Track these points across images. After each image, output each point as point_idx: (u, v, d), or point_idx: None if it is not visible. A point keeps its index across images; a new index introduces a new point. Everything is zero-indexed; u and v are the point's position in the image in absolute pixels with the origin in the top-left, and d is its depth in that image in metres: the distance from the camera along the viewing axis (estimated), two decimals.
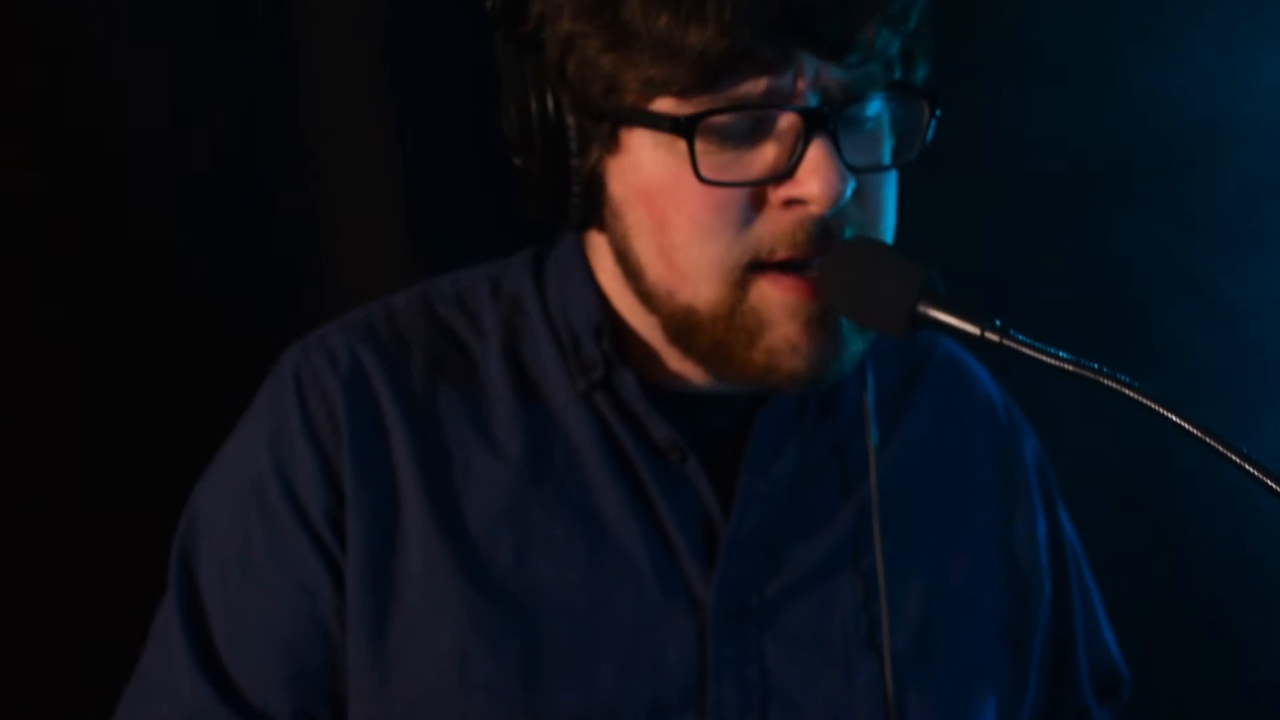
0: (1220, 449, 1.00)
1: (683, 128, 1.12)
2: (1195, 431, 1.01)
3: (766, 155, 1.15)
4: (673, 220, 1.16)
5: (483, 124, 1.71)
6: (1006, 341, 1.09)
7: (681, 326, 1.20)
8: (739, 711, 1.23)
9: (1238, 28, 1.86)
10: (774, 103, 1.13)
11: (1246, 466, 0.99)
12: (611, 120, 1.16)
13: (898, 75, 1.16)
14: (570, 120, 1.18)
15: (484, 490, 1.26)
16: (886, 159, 1.18)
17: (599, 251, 1.28)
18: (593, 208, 1.22)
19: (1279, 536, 1.80)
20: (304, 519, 1.26)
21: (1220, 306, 1.90)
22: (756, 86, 1.12)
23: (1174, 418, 1.02)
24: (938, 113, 1.17)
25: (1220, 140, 1.89)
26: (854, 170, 1.14)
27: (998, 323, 1.10)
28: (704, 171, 1.13)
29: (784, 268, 1.16)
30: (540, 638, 1.23)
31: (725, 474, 1.26)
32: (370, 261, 1.92)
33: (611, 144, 1.18)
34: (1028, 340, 1.09)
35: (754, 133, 1.14)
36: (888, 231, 1.20)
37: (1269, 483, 0.99)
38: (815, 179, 1.12)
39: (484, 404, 1.29)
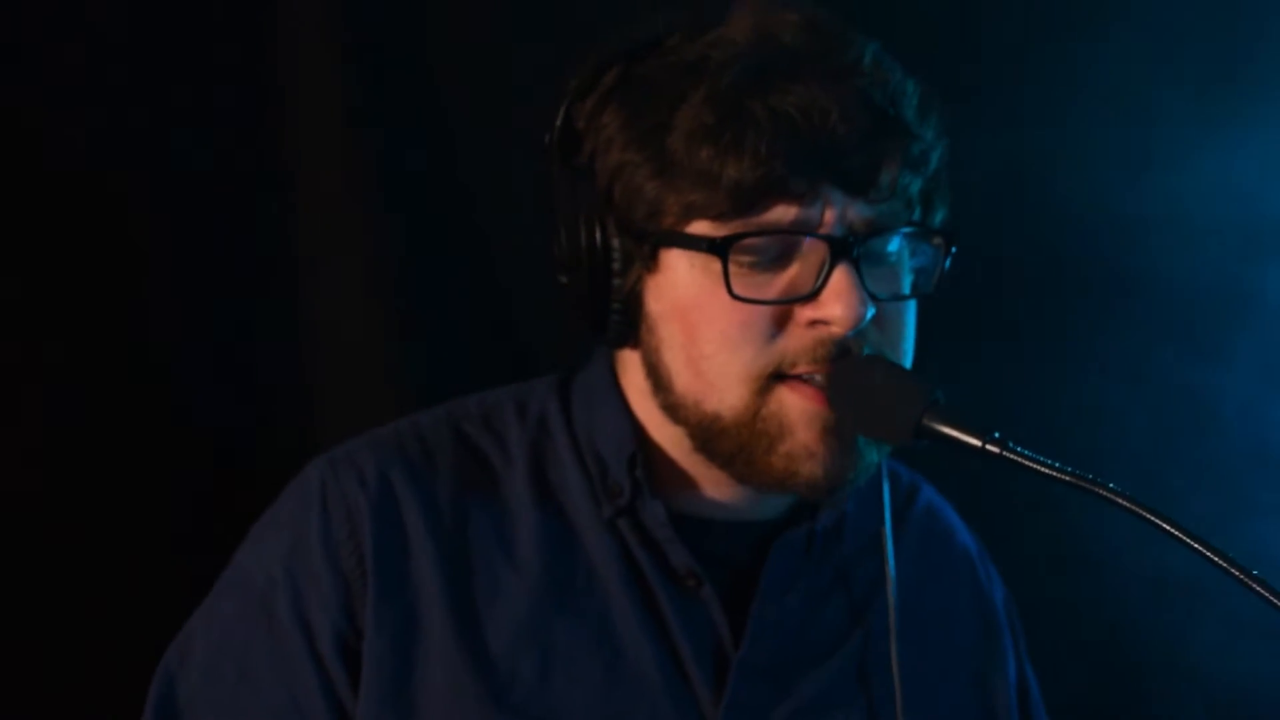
0: (1214, 558, 1.07)
1: (718, 248, 1.20)
2: (1184, 538, 1.08)
3: (793, 277, 1.22)
4: (703, 333, 1.23)
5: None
6: (1006, 453, 1.15)
7: (707, 434, 1.26)
8: None
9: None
10: (802, 230, 1.20)
11: (1241, 575, 1.07)
12: (652, 241, 1.24)
13: (917, 215, 1.24)
14: (615, 243, 1.25)
15: (507, 609, 1.29)
16: (905, 290, 1.26)
17: (629, 370, 1.33)
18: (630, 324, 1.28)
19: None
20: (309, 638, 1.29)
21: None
22: (787, 214, 1.20)
23: (1164, 525, 1.09)
24: (954, 250, 1.25)
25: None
26: (874, 299, 1.21)
27: (996, 435, 1.16)
28: (736, 289, 1.20)
29: (802, 378, 1.22)
30: None
31: (737, 601, 1.31)
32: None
33: (651, 263, 1.25)
34: (1025, 452, 1.15)
35: (782, 257, 1.21)
36: (906, 356, 1.27)
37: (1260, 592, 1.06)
38: (838, 303, 1.20)
39: (508, 524, 1.33)
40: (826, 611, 1.36)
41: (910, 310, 1.27)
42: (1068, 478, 1.13)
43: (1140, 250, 1.93)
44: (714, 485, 1.31)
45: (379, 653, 1.27)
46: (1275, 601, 1.06)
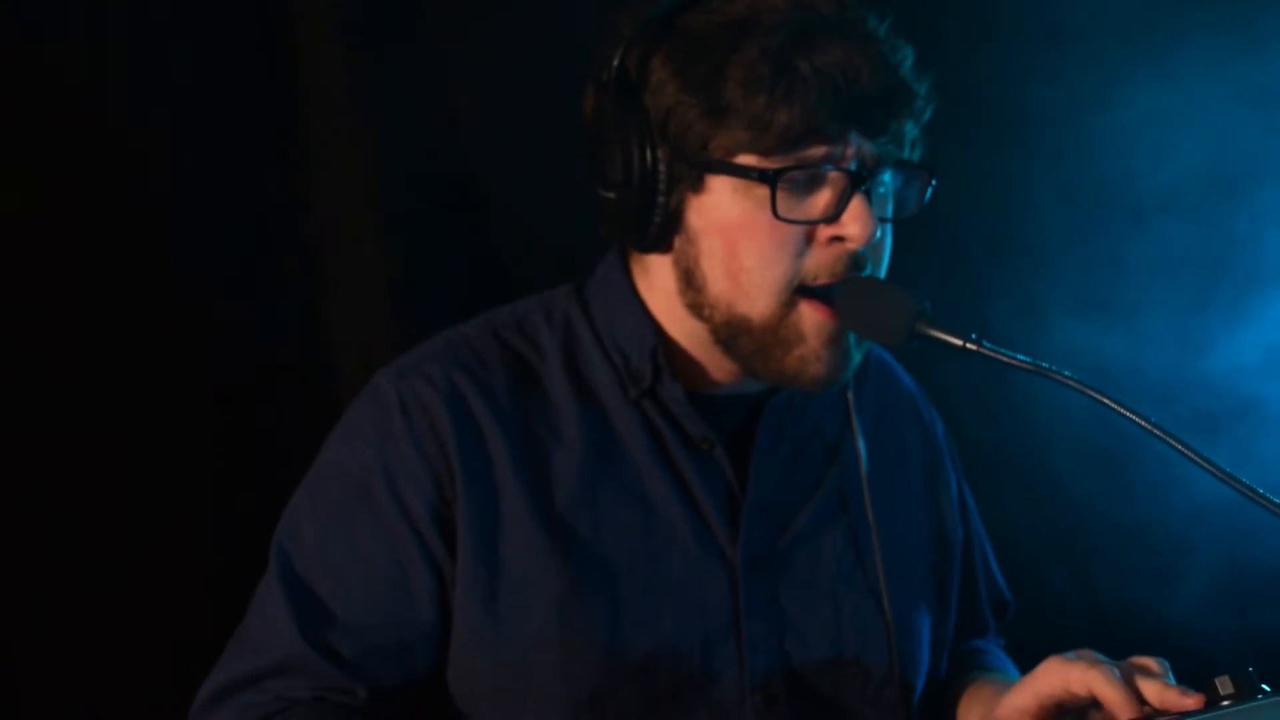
0: (1163, 435, 1.29)
1: (769, 178, 1.43)
2: (1134, 417, 1.31)
3: (820, 202, 1.46)
4: (744, 248, 1.46)
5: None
6: (983, 350, 1.41)
7: (733, 331, 1.49)
8: (765, 639, 1.53)
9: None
10: (830, 164, 1.44)
11: (1183, 449, 1.29)
12: (701, 168, 1.45)
13: (907, 153, 1.49)
14: (662, 167, 1.46)
15: (564, 480, 1.52)
16: (890, 213, 1.52)
17: (651, 273, 1.55)
18: (666, 235, 1.50)
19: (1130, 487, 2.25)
20: (406, 514, 1.49)
21: None
22: (818, 151, 1.43)
23: (1116, 406, 1.31)
24: (934, 181, 1.51)
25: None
26: (878, 220, 1.46)
27: (974, 336, 1.42)
28: (780, 211, 1.44)
29: (819, 295, 1.47)
30: (618, 592, 1.50)
31: (739, 458, 1.56)
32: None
33: (698, 186, 1.47)
34: (998, 348, 1.41)
35: (810, 185, 1.45)
36: (886, 268, 1.53)
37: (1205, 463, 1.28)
38: (856, 223, 1.44)
39: (552, 411, 1.55)
40: (808, 457, 1.62)
41: (890, 233, 1.52)
42: (1030, 367, 1.37)
43: None
44: (718, 369, 1.55)
45: (470, 519, 1.48)
46: (1212, 468, 1.28)
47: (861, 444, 1.60)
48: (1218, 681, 1.11)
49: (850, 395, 1.62)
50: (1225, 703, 1.20)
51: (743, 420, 1.58)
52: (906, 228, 1.54)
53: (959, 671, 1.73)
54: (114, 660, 1.94)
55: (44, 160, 1.89)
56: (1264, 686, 1.09)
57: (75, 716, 1.92)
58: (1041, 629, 1.76)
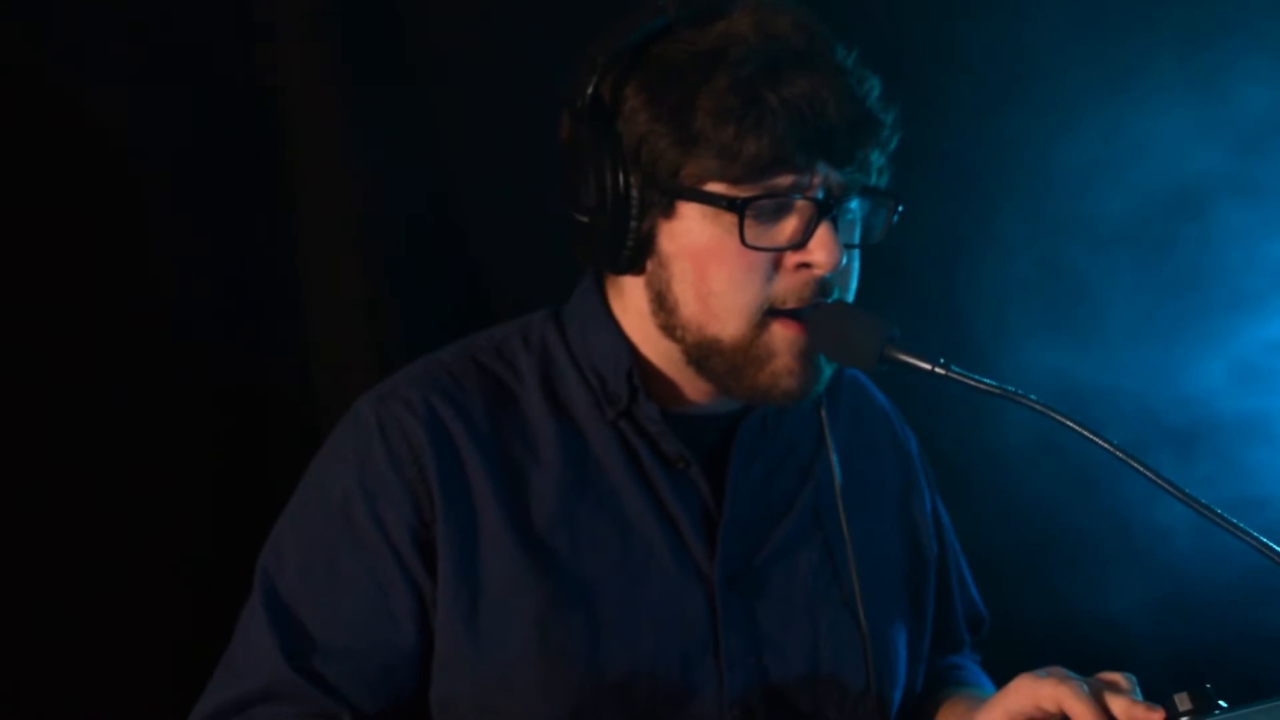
0: (1125, 456, 1.32)
1: (737, 206, 1.46)
2: (1095, 438, 1.34)
3: (787, 230, 1.48)
4: (713, 273, 1.49)
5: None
6: (951, 374, 1.44)
7: (705, 353, 1.52)
8: (743, 656, 1.55)
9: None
10: (797, 193, 1.47)
11: (1152, 475, 1.32)
12: (672, 195, 1.49)
13: (873, 181, 1.52)
14: (635, 192, 1.49)
15: (542, 500, 1.55)
16: (858, 239, 1.55)
17: (625, 296, 1.58)
18: (639, 259, 1.53)
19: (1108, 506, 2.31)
20: (386, 536, 1.51)
21: None
22: (786, 180, 1.46)
23: (1078, 428, 1.34)
24: (900, 209, 1.54)
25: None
26: (845, 246, 1.50)
27: (942, 360, 1.45)
28: (748, 239, 1.46)
29: (789, 314, 1.50)
30: (597, 610, 1.52)
31: (715, 476, 1.59)
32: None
33: (669, 211, 1.50)
34: (965, 372, 1.44)
35: (778, 213, 1.48)
36: (853, 293, 1.56)
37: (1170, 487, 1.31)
38: (823, 250, 1.47)
39: (530, 433, 1.57)
40: (783, 475, 1.64)
41: (858, 259, 1.55)
42: (997, 391, 1.41)
43: None
44: (693, 388, 1.58)
45: (450, 539, 1.51)
46: (1171, 488, 1.31)
47: (835, 461, 1.63)
48: (1176, 698, 1.13)
49: (824, 413, 1.64)
50: (1183, 719, 1.22)
51: (718, 439, 1.61)
52: (876, 256, 1.57)
53: (935, 687, 1.76)
54: (102, 667, 1.96)
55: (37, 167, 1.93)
56: (1221, 703, 1.12)
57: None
58: (1014, 644, 1.79)
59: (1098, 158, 2.34)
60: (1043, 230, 2.38)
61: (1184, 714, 1.13)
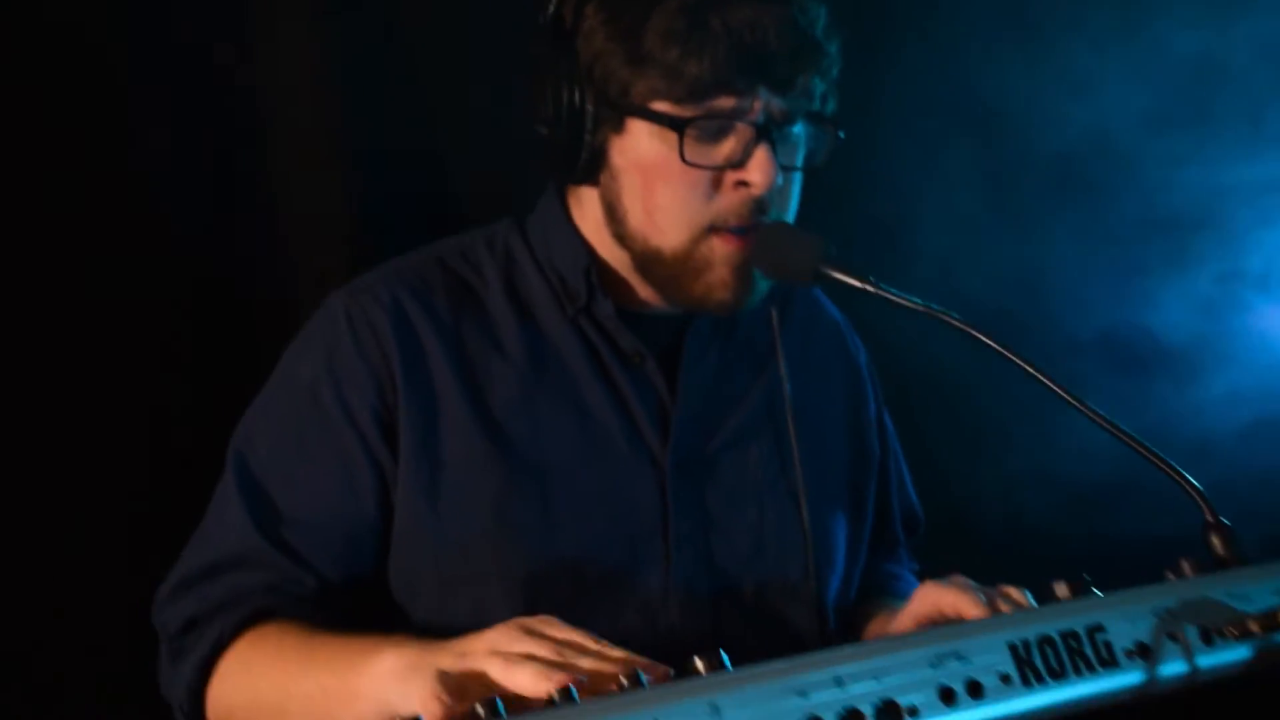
0: (1052, 384, 1.40)
1: (677, 124, 1.54)
2: (1018, 360, 1.42)
3: (725, 150, 1.57)
4: (658, 188, 1.58)
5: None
6: (880, 290, 1.52)
7: (648, 261, 1.61)
8: (690, 537, 1.64)
9: None
10: (738, 116, 1.55)
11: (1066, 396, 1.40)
12: (622, 111, 1.57)
13: (816, 107, 1.60)
14: (589, 108, 1.58)
15: (502, 388, 1.63)
16: (800, 163, 1.63)
17: (583, 205, 1.66)
18: (593, 169, 1.61)
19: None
20: (351, 416, 1.59)
21: None
22: (727, 103, 1.54)
23: (999, 348, 1.42)
24: (840, 134, 1.62)
25: None
26: (782, 168, 1.58)
27: (871, 278, 1.53)
28: (687, 156, 1.55)
29: (729, 231, 1.58)
30: (551, 490, 1.60)
31: (670, 372, 1.68)
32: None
33: (619, 127, 1.58)
34: (892, 289, 1.52)
35: (720, 134, 1.56)
36: (793, 213, 1.64)
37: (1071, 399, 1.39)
38: (759, 171, 1.56)
39: (494, 328, 1.66)
40: (737, 373, 1.73)
41: (799, 179, 1.63)
42: (921, 308, 1.48)
43: None
44: (645, 291, 1.66)
45: (412, 422, 1.59)
46: (1094, 415, 1.38)
47: (785, 363, 1.71)
48: (1055, 586, 1.22)
49: (775, 317, 1.73)
50: None
51: (673, 337, 1.69)
52: (827, 188, 1.65)
53: (870, 596, 1.83)
54: (81, 546, 2.04)
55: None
56: (1096, 591, 1.20)
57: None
58: (963, 550, 1.89)
59: (1044, 97, 2.44)
60: (988, 168, 2.48)
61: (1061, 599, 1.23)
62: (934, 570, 1.87)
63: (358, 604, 1.60)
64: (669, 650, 1.24)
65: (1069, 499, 2.45)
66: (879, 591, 1.85)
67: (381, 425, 1.60)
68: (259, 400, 1.67)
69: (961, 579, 1.50)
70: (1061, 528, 2.43)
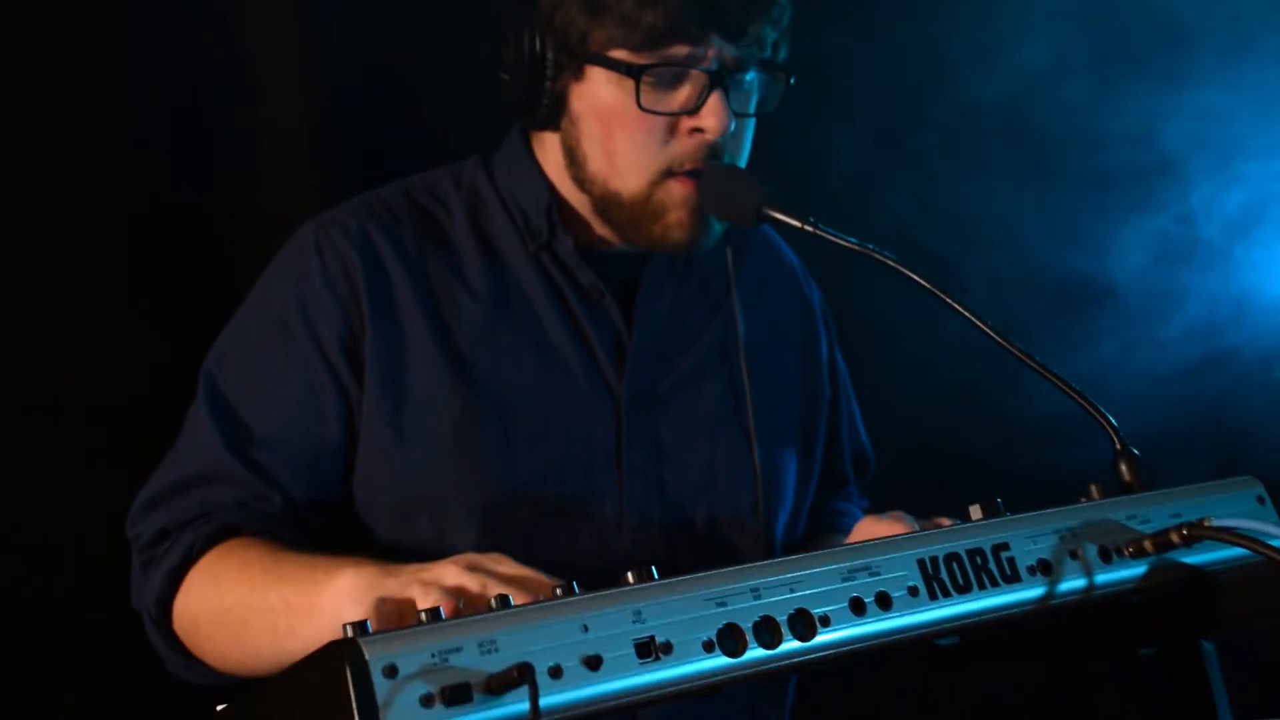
0: (982, 324, 1.47)
1: (634, 72, 1.60)
2: (948, 300, 1.48)
3: (681, 97, 1.63)
4: (616, 133, 1.64)
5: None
6: (819, 231, 1.58)
7: (609, 203, 1.68)
8: (643, 467, 1.71)
9: None
10: (691, 63, 1.61)
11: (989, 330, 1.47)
12: (580, 59, 1.63)
13: (768, 55, 1.66)
14: (549, 55, 1.64)
15: (466, 320, 1.69)
16: (753, 109, 1.69)
17: (545, 148, 1.73)
18: (554, 115, 1.68)
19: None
20: (318, 343, 1.65)
21: None
22: (681, 51, 1.60)
23: (933, 288, 1.48)
24: (791, 81, 1.68)
25: None
26: (735, 114, 1.64)
27: (811, 219, 1.60)
28: (643, 103, 1.61)
29: (684, 174, 1.64)
30: (511, 418, 1.67)
31: (627, 308, 1.74)
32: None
33: (578, 74, 1.65)
34: (830, 230, 1.58)
35: (675, 81, 1.62)
36: (745, 157, 1.70)
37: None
38: (713, 117, 1.62)
39: (459, 261, 1.72)
40: (692, 312, 1.79)
41: (751, 126, 1.70)
42: (857, 248, 1.54)
43: None
44: (605, 230, 1.72)
45: (377, 350, 1.65)
46: (1017, 351, 1.46)
47: (739, 304, 1.78)
48: (970, 509, 1.28)
49: (731, 259, 1.79)
50: None
51: (631, 275, 1.76)
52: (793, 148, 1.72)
53: (818, 532, 1.89)
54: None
55: None
56: (1006, 513, 1.28)
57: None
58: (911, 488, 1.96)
59: (970, 48, 2.52)
60: (928, 123, 2.55)
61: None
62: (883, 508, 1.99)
63: (324, 523, 1.66)
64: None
65: (1019, 435, 2.53)
66: (827, 528, 1.91)
67: (347, 354, 1.66)
68: (230, 325, 1.73)
69: (899, 513, 1.56)
70: (1012, 463, 2.51)
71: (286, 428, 1.66)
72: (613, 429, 1.71)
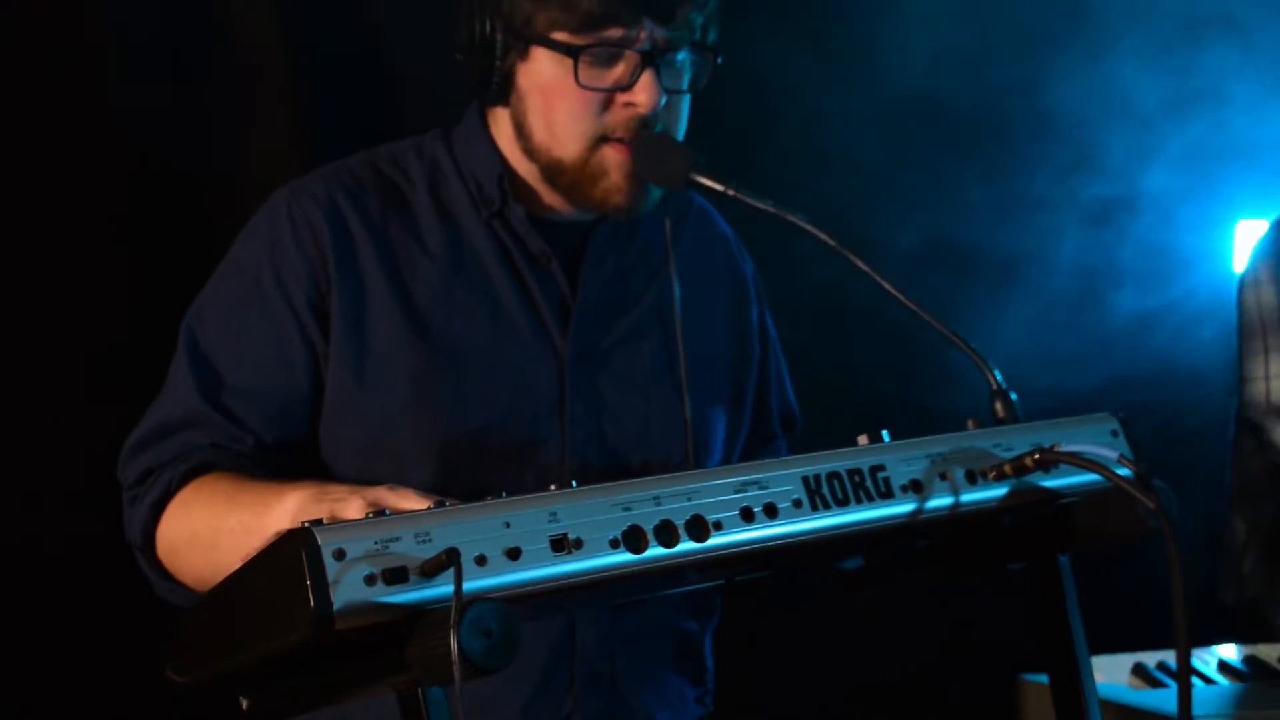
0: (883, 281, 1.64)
1: (572, 52, 1.78)
2: (860, 263, 1.66)
3: (615, 74, 1.80)
4: (557, 106, 1.82)
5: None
6: (740, 196, 1.75)
7: (553, 171, 1.84)
8: (584, 418, 1.87)
9: None
10: (625, 44, 1.78)
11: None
12: (525, 40, 1.81)
13: (698, 37, 1.83)
14: (498, 37, 1.82)
15: (424, 281, 1.85)
16: (685, 86, 1.86)
17: (498, 123, 1.89)
18: (504, 91, 1.85)
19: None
20: (289, 302, 1.81)
21: None
22: (616, 33, 1.78)
23: (844, 251, 1.66)
24: (719, 60, 1.85)
25: None
26: (666, 90, 1.81)
27: (734, 183, 1.77)
28: (581, 80, 1.78)
29: (618, 140, 1.81)
30: (464, 372, 1.83)
31: (572, 273, 1.90)
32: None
33: (524, 54, 1.82)
34: (752, 193, 1.74)
35: (610, 60, 1.79)
36: (681, 131, 1.87)
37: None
38: (644, 93, 1.79)
39: (418, 227, 1.87)
40: (633, 277, 1.96)
41: (686, 102, 1.86)
42: (774, 210, 1.70)
43: None
44: (553, 198, 1.89)
45: (342, 307, 1.81)
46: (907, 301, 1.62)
47: (676, 271, 1.94)
48: (858, 439, 1.44)
49: (669, 230, 1.95)
50: None
51: (576, 241, 1.92)
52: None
53: None
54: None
55: None
56: (888, 441, 1.44)
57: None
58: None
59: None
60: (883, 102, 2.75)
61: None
62: None
63: (292, 462, 1.82)
64: None
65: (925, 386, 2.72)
66: None
67: (315, 311, 1.83)
68: (209, 284, 1.90)
69: None
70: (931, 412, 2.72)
71: (258, 378, 1.82)
72: (556, 383, 1.87)
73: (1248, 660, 2.40)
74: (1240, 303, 2.44)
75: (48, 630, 2.30)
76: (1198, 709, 1.95)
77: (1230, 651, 2.43)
